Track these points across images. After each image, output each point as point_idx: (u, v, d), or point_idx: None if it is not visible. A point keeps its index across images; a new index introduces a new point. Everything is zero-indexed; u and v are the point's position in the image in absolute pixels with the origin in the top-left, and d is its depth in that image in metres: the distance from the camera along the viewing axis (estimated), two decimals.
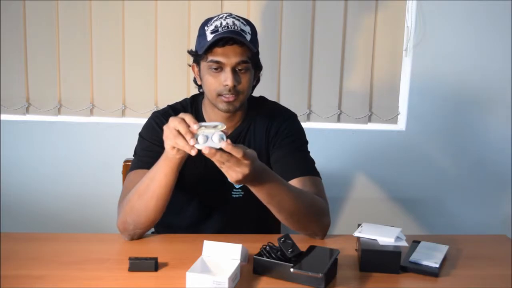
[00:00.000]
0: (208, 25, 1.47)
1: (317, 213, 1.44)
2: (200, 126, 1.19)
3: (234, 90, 1.45)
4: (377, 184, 2.44)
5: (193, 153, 1.20)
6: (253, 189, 1.32)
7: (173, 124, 1.22)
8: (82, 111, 2.31)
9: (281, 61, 2.32)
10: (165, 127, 1.25)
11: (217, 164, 1.22)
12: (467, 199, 2.45)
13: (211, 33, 1.44)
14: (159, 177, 1.34)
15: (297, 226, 1.43)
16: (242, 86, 1.47)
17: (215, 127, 1.20)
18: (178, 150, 1.26)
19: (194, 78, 1.58)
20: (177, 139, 1.21)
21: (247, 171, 1.22)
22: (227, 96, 1.45)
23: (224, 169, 1.24)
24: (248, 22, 1.50)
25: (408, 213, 2.45)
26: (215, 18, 1.48)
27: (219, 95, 1.46)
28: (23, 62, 2.27)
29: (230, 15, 1.48)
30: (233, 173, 1.23)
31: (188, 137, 1.19)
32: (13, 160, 2.32)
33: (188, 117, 1.22)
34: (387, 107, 2.40)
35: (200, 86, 1.57)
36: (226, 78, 1.43)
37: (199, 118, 1.58)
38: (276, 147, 1.56)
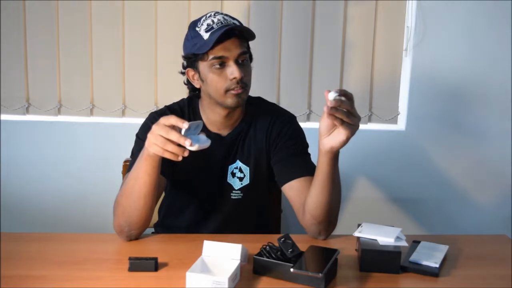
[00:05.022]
0: (199, 25, 1.46)
1: (337, 213, 1.46)
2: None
3: (242, 82, 1.44)
4: (377, 184, 2.44)
5: (186, 154, 1.21)
6: (333, 162, 1.33)
7: (159, 132, 1.22)
8: (82, 111, 2.32)
9: (281, 61, 2.32)
10: (149, 135, 1.25)
11: (338, 115, 1.20)
12: (467, 199, 2.45)
13: (206, 31, 1.43)
14: (143, 177, 1.33)
15: (322, 216, 1.41)
16: (247, 77, 1.47)
17: (197, 126, 1.23)
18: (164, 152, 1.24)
19: (189, 83, 1.55)
20: (166, 145, 1.21)
21: (357, 128, 1.25)
22: (236, 89, 1.44)
23: (346, 123, 1.22)
24: (234, 18, 1.50)
25: (408, 213, 2.45)
26: (203, 18, 1.47)
27: (227, 90, 1.45)
28: (23, 62, 2.27)
29: (217, 12, 1.48)
30: (352, 128, 1.24)
31: (182, 141, 1.19)
32: (13, 160, 2.32)
33: (173, 119, 1.21)
34: (387, 107, 2.40)
35: (196, 90, 1.55)
36: (233, 71, 1.43)
37: (197, 118, 1.56)
38: (278, 148, 1.56)
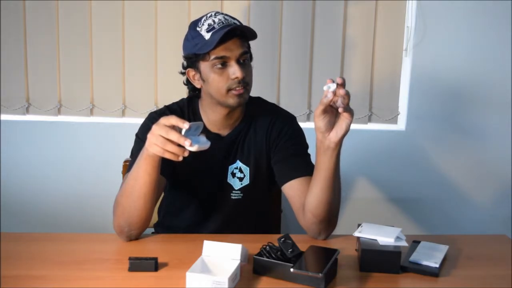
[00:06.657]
0: (199, 25, 1.46)
1: (337, 212, 1.46)
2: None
3: (243, 81, 1.45)
4: (377, 184, 2.44)
5: (186, 154, 1.21)
6: (338, 157, 1.36)
7: (159, 132, 1.22)
8: (82, 111, 2.31)
9: (281, 61, 2.32)
10: (149, 135, 1.25)
11: (345, 101, 1.26)
12: (467, 199, 2.45)
13: (208, 31, 1.43)
14: (143, 176, 1.33)
15: (323, 215, 1.41)
16: (249, 77, 1.48)
17: (198, 127, 1.24)
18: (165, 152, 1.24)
19: (189, 84, 1.55)
20: (166, 145, 1.21)
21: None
22: (237, 88, 1.44)
23: (348, 107, 1.27)
24: (234, 18, 1.50)
25: (408, 213, 2.45)
26: (204, 18, 1.47)
27: (229, 90, 1.45)
28: (23, 62, 2.27)
29: (218, 12, 1.48)
30: (351, 110, 1.29)
31: (182, 141, 1.19)
32: (13, 160, 2.32)
33: (174, 119, 1.22)
34: (387, 107, 2.40)
35: (196, 90, 1.55)
36: (235, 71, 1.43)
37: (197, 118, 1.56)
38: (278, 148, 1.56)
